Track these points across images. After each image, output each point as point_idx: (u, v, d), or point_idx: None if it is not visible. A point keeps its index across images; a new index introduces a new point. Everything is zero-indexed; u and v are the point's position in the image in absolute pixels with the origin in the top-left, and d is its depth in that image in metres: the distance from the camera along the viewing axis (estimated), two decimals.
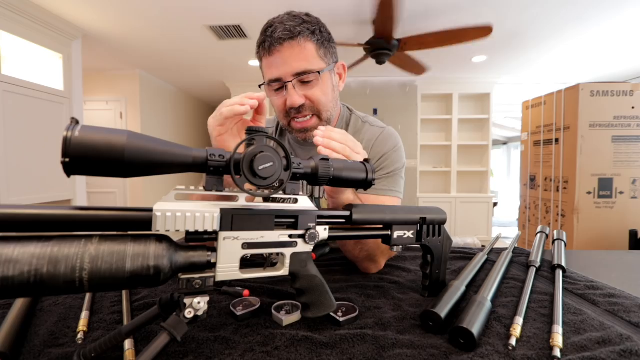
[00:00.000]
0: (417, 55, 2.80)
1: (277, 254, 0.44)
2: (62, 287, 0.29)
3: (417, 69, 3.06)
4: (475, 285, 0.61)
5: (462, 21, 2.47)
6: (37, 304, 0.54)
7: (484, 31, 2.32)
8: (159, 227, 0.34)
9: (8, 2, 2.14)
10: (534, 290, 0.60)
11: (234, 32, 2.80)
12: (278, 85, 0.70)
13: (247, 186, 0.38)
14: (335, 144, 0.52)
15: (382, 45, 2.61)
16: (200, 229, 0.36)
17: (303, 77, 0.68)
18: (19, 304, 0.48)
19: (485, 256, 0.73)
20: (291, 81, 0.68)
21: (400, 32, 2.53)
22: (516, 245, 0.86)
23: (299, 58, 0.67)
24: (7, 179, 2.16)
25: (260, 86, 0.74)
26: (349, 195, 0.58)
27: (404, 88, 4.26)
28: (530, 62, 3.55)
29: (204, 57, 3.46)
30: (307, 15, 0.71)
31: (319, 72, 0.69)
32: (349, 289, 0.61)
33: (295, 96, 0.69)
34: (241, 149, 0.38)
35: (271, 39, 0.67)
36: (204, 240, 0.38)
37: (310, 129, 0.74)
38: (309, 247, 0.45)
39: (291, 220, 0.43)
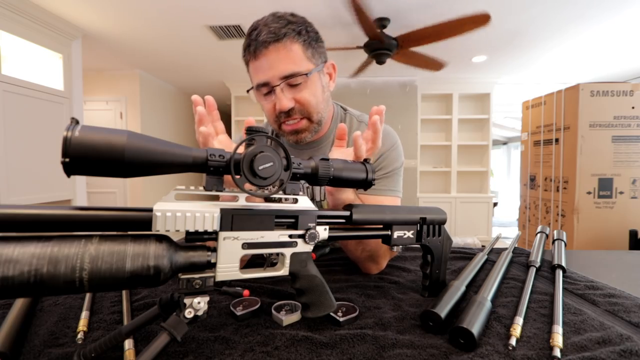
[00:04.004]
0: (426, 51, 2.73)
1: (277, 254, 0.44)
2: (62, 287, 0.29)
3: (432, 65, 2.94)
4: (475, 285, 0.61)
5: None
6: (37, 304, 0.54)
7: (481, 19, 2.16)
8: (159, 227, 0.34)
9: (8, 2, 2.13)
10: (534, 290, 0.60)
11: (234, 32, 2.80)
12: (266, 89, 0.68)
13: (247, 186, 0.38)
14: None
15: (378, 46, 2.59)
16: (200, 229, 0.36)
17: (291, 80, 0.66)
18: (19, 304, 0.48)
19: (485, 256, 0.73)
20: (279, 85, 0.66)
21: (399, 30, 2.52)
22: (516, 245, 0.86)
23: (286, 61, 0.66)
24: (7, 179, 2.16)
25: (248, 91, 0.72)
26: (349, 194, 0.58)
27: (404, 88, 4.25)
28: (530, 62, 3.55)
29: (203, 57, 3.46)
30: (293, 15, 0.69)
31: (306, 74, 0.67)
32: (349, 289, 0.61)
33: (284, 100, 0.67)
34: (241, 149, 0.38)
35: (256, 42, 0.65)
36: (203, 240, 0.38)
37: (301, 131, 0.73)
38: (309, 247, 0.45)
39: (291, 220, 0.43)
